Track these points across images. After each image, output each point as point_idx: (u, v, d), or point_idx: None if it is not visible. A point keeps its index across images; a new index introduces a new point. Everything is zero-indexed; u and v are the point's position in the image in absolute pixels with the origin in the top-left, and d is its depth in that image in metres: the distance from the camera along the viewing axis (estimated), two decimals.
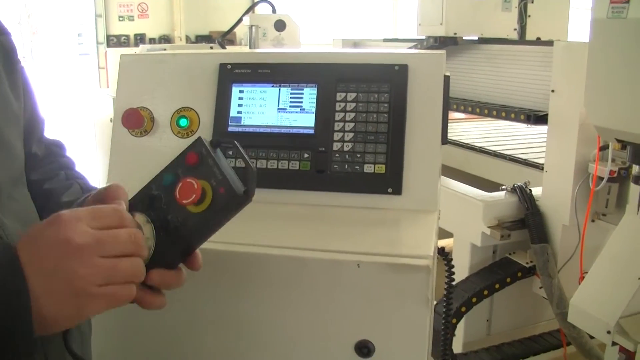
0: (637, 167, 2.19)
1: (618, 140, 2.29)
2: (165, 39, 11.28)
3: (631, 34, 1.89)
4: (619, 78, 2.02)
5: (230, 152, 1.61)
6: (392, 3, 14.41)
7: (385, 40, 5.15)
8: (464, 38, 4.00)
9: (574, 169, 3.04)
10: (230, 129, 1.72)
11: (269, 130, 1.69)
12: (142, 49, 6.63)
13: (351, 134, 1.64)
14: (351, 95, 1.66)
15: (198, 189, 0.92)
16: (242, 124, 1.71)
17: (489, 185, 3.65)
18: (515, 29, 4.09)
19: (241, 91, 1.73)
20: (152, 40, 11.03)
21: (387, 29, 13.99)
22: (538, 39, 4.10)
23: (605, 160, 2.91)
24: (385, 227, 1.51)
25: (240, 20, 5.22)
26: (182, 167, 0.96)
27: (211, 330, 1.38)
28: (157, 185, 0.96)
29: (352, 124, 1.64)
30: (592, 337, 3.08)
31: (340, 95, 1.66)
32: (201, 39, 11.40)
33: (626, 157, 2.93)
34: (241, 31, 9.06)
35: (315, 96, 1.68)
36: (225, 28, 5.58)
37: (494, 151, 4.26)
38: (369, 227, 1.49)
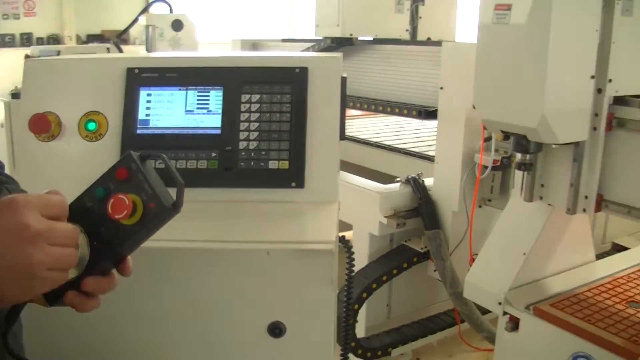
0: (519, 155, 2.40)
1: (503, 132, 2.49)
2: (54, 39, 10.82)
3: (513, 37, 2.10)
4: (503, 77, 2.23)
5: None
6: (289, 3, 14.54)
7: (284, 40, 5.27)
8: (359, 39, 4.17)
9: (462, 160, 3.27)
10: (138, 131, 1.80)
11: (177, 131, 1.79)
12: (33, 50, 6.45)
13: (256, 133, 1.76)
14: (255, 97, 1.78)
15: (129, 205, 0.99)
16: (150, 126, 1.80)
17: (385, 178, 3.82)
18: (407, 30, 4.30)
19: (149, 94, 1.82)
20: (39, 40, 10.54)
21: (284, 28, 14.11)
22: (428, 39, 4.33)
23: (489, 151, 3.15)
24: (290, 218, 1.65)
25: (136, 20, 5.22)
26: (113, 181, 1.02)
27: (136, 321, 1.47)
28: (89, 198, 1.02)
29: (256, 124, 1.77)
30: (483, 314, 3.34)
31: (245, 97, 1.78)
32: (92, 38, 11.03)
33: (508, 147, 3.22)
34: (136, 30, 8.95)
35: (221, 98, 1.80)
36: (118, 27, 5.56)
37: (389, 145, 4.47)
38: (275, 219, 1.62)
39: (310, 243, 1.42)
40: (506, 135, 3.20)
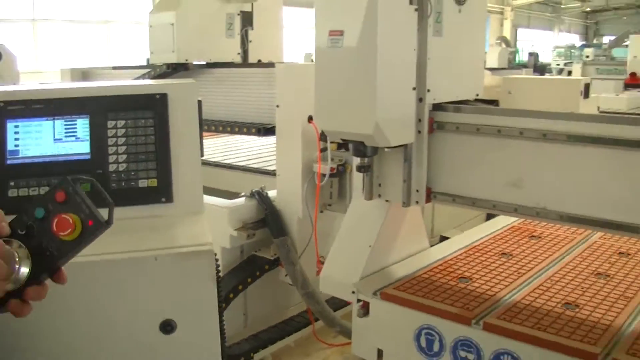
0: (359, 159, 2.70)
1: (342, 140, 2.76)
2: None
3: (346, 58, 2.39)
4: (340, 92, 2.50)
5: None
6: (105, 32, 14.38)
7: (115, 68, 5.34)
8: (194, 63, 4.35)
9: (301, 170, 3.56)
10: (9, 161, 1.89)
11: (48, 159, 1.90)
12: None
13: (124, 156, 1.92)
14: (121, 123, 1.93)
15: (73, 223, 1.14)
16: (20, 156, 1.90)
17: (229, 196, 4.01)
18: (239, 53, 4.56)
19: (16, 126, 1.91)
20: None
21: (101, 56, 13.94)
22: (259, 61, 4.61)
23: (326, 160, 3.46)
24: (168, 228, 1.82)
25: None
26: (52, 202, 1.17)
27: (45, 325, 1.57)
28: (29, 217, 1.16)
29: (124, 147, 1.92)
30: (335, 310, 3.63)
31: (111, 123, 1.93)
32: None
33: (342, 156, 3.55)
34: None
35: (88, 126, 1.93)
36: None
37: (229, 164, 4.68)
38: (155, 230, 1.79)
39: (192, 246, 1.61)
40: (339, 145, 3.55)
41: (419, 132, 2.61)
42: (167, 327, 1.60)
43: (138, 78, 4.44)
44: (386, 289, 2.71)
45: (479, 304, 2.55)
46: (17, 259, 1.11)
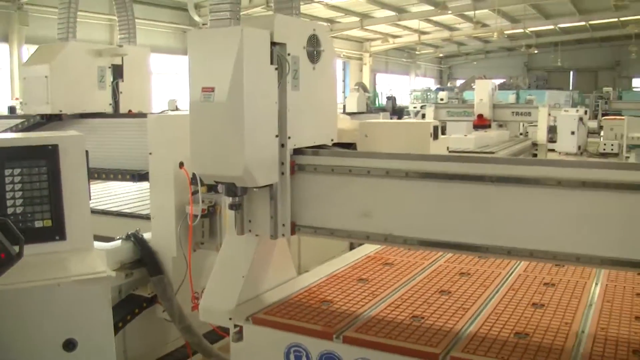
0: (231, 198, 2.99)
1: (216, 182, 3.04)
2: None
3: (218, 111, 2.69)
4: (213, 140, 2.78)
5: None
6: None
7: None
8: (68, 114, 4.53)
9: (174, 212, 3.83)
10: None
11: None
12: None
13: (21, 200, 2.15)
14: (17, 171, 2.17)
15: None
16: None
17: (104, 240, 4.17)
18: (110, 104, 4.79)
19: None
20: None
21: None
22: (130, 111, 4.85)
23: (197, 202, 3.75)
24: (65, 260, 2.06)
25: None
26: None
27: None
28: None
29: (20, 192, 2.16)
30: (212, 343, 3.88)
31: (8, 172, 2.16)
32: None
33: (212, 198, 3.86)
34: None
35: None
36: None
37: (102, 209, 4.86)
38: (54, 263, 2.03)
39: (90, 274, 1.88)
40: (209, 188, 3.85)
41: (283, 173, 2.97)
42: (69, 345, 1.84)
43: (12, 128, 4.56)
44: (257, 314, 3.02)
45: (339, 321, 2.91)
46: None
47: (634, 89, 37.17)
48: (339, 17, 28.18)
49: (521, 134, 14.61)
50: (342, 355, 2.74)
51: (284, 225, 3.06)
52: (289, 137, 2.93)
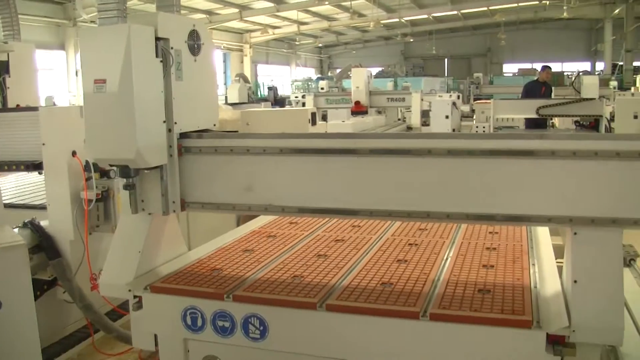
0: (125, 179, 3.26)
1: (111, 165, 3.30)
2: None
3: (110, 101, 2.95)
4: (107, 127, 3.02)
5: None
6: None
7: None
8: None
9: (70, 198, 4.07)
10: None
11: None
12: None
13: None
14: None
15: None
16: None
17: None
18: None
19: None
20: None
21: None
22: (18, 105, 5.00)
23: (92, 188, 4.00)
24: None
25: None
26: None
27: None
28: None
29: None
30: (114, 320, 4.14)
31: None
32: None
33: (105, 184, 4.12)
34: None
35: None
36: None
37: None
38: None
39: (9, 243, 2.16)
40: (102, 174, 4.12)
41: (171, 155, 3.27)
42: None
43: None
44: (154, 283, 3.33)
45: (229, 284, 3.27)
46: None
47: (505, 74, 39.22)
48: (218, 8, 28.24)
49: (399, 119, 15.37)
50: (233, 313, 3.10)
51: (174, 202, 3.36)
52: (175, 123, 3.23)
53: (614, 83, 18.53)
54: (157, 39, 3.07)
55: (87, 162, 4.05)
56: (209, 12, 28.48)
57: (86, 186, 4.01)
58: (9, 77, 4.97)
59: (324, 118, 13.75)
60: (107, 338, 4.54)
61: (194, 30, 3.27)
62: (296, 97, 22.80)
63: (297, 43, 41.06)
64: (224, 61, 35.61)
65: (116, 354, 4.48)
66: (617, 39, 30.06)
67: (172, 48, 3.13)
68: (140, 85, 2.95)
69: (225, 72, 35.21)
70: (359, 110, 13.33)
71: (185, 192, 3.40)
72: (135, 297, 3.36)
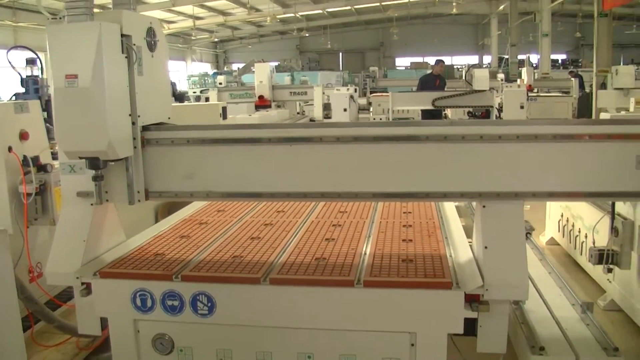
0: (94, 171, 3.33)
1: (81, 157, 3.36)
2: None
3: (82, 95, 3.06)
4: (78, 121, 3.12)
5: None
6: None
7: None
8: None
9: (8, 192, 4.18)
10: None
11: None
12: None
13: None
14: None
15: None
16: None
17: None
18: None
19: None
20: None
21: None
22: None
23: (30, 182, 4.15)
24: None
25: None
26: None
27: None
28: None
29: None
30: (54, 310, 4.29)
31: None
32: None
33: (43, 178, 4.26)
34: None
35: None
36: None
37: None
38: None
39: None
40: (39, 167, 4.26)
41: (135, 147, 3.44)
42: None
43: None
44: (103, 269, 3.54)
45: (175, 266, 3.52)
46: None
47: (398, 68, 40.40)
48: (109, 3, 27.68)
49: (298, 112, 15.80)
50: (181, 292, 3.36)
51: (139, 192, 3.53)
52: (139, 116, 3.41)
53: (501, 75, 19.59)
54: (122, 35, 3.24)
55: (25, 157, 4.18)
56: (102, 7, 27.84)
57: (25, 180, 4.14)
58: None
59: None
60: (42, 331, 4.67)
61: (150, 27, 3.49)
62: (194, 92, 22.83)
63: (192, 38, 40.79)
64: None
65: (54, 344, 4.61)
66: (503, 34, 31.64)
67: (134, 44, 3.31)
68: (110, 80, 3.12)
69: None
70: (262, 104, 13.66)
71: (149, 181, 3.57)
72: (82, 284, 3.55)
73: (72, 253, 3.61)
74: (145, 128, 3.49)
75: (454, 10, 28.32)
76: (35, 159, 4.30)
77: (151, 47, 3.48)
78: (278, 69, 30.84)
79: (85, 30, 3.09)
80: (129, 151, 3.39)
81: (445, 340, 3.15)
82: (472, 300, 3.10)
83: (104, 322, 3.62)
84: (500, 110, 11.74)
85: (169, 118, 3.72)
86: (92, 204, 3.65)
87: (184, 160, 3.52)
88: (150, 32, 3.47)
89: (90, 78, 3.03)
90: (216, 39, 43.36)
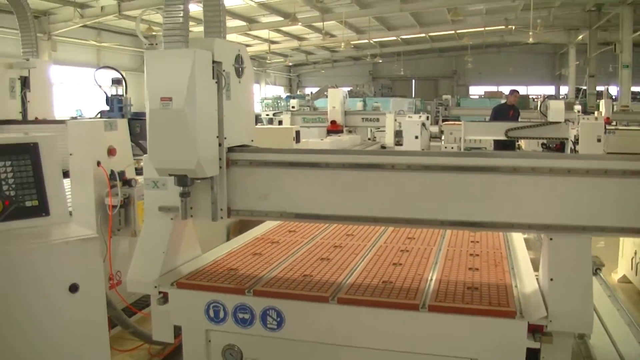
0: (181, 187, 3.58)
1: (170, 174, 3.57)
2: None
3: (175, 117, 3.32)
4: (171, 140, 3.35)
5: None
6: None
7: None
8: None
9: (95, 204, 4.45)
10: None
11: None
12: None
13: (13, 185, 2.78)
14: (8, 163, 2.79)
15: None
16: None
17: None
18: (20, 112, 5.30)
19: None
20: None
21: None
22: (36, 118, 5.39)
23: (116, 195, 4.40)
24: (60, 228, 2.72)
25: None
26: None
27: None
28: None
29: (12, 179, 2.78)
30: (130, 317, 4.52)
31: (2, 164, 2.78)
32: None
33: (126, 192, 4.50)
34: None
35: None
36: None
37: None
38: (52, 230, 2.68)
39: (87, 235, 2.57)
40: (124, 182, 4.52)
41: (221, 167, 3.63)
42: (73, 288, 2.52)
43: None
44: (180, 280, 3.74)
45: (247, 281, 3.69)
46: None
47: (471, 96, 40.18)
48: (191, 26, 28.53)
49: (369, 138, 15.91)
50: (252, 306, 3.52)
51: (222, 209, 3.73)
52: (225, 138, 3.61)
53: (578, 107, 19.30)
54: (213, 62, 3.44)
55: (112, 171, 4.46)
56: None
57: (110, 193, 4.41)
58: (29, 91, 5.35)
59: None
60: (117, 336, 4.90)
61: (239, 54, 3.68)
62: (267, 114, 23.23)
63: (267, 61, 41.58)
64: None
65: (128, 349, 4.83)
66: (581, 64, 31.17)
67: (224, 71, 3.51)
68: (201, 103, 3.33)
69: None
70: (334, 129, 13.83)
71: (232, 200, 3.75)
72: (160, 292, 3.76)
73: (151, 263, 3.83)
74: (230, 149, 3.68)
75: (530, 40, 28.05)
76: (122, 174, 4.57)
77: (239, 73, 3.67)
78: (350, 94, 30.92)
79: (180, 57, 3.30)
80: (215, 170, 3.57)
81: None
82: (536, 330, 3.15)
83: (176, 331, 3.83)
84: (576, 142, 11.60)
85: (251, 140, 3.90)
86: (171, 218, 3.87)
87: (262, 181, 3.70)
88: (239, 59, 3.66)
89: (184, 101, 3.24)
90: (290, 63, 44.08)
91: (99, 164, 4.42)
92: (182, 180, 3.52)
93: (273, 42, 33.89)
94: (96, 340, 2.67)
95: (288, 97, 31.81)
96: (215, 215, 3.71)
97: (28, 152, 2.85)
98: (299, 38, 34.24)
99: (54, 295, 2.52)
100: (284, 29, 30.67)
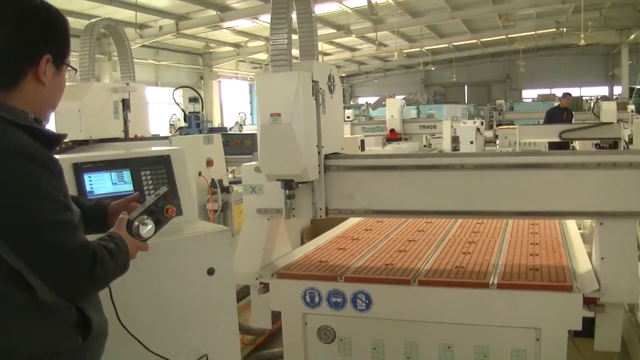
0: (287, 190, 4.11)
1: (278, 179, 4.08)
2: None
3: (283, 130, 3.83)
4: (279, 150, 3.86)
5: None
6: None
7: None
8: (93, 138, 5.76)
9: (198, 209, 5.06)
10: (88, 196, 3.30)
11: (110, 195, 3.33)
12: None
13: (153, 190, 3.40)
14: (147, 172, 3.42)
15: (175, 210, 2.62)
16: (94, 194, 3.32)
17: None
18: (123, 130, 6.03)
19: (89, 177, 3.32)
20: None
21: None
22: (136, 136, 6.10)
23: (216, 201, 5.05)
24: (196, 225, 3.36)
25: None
26: (162, 200, 2.58)
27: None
28: (153, 205, 2.54)
29: (152, 186, 3.42)
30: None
31: (143, 172, 3.42)
32: None
33: (225, 198, 5.15)
34: None
35: (130, 176, 3.40)
36: None
37: None
38: (190, 226, 3.32)
39: (220, 229, 3.20)
40: (223, 189, 5.16)
41: (319, 172, 4.17)
42: (211, 271, 3.13)
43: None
44: (279, 271, 4.35)
45: (338, 270, 4.27)
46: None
47: (524, 100, 40.03)
48: (245, 41, 29.31)
49: (425, 145, 16.39)
50: (344, 291, 4.08)
51: (320, 209, 4.27)
52: (323, 147, 4.14)
53: (631, 107, 19.37)
54: (312, 81, 3.97)
55: (212, 179, 5.10)
56: (236, 45, 29.73)
57: (212, 199, 5.05)
58: (130, 112, 6.07)
59: None
60: None
61: (331, 73, 4.24)
62: None
63: None
64: (250, 92, 36.76)
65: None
66: (634, 64, 30.97)
67: (321, 89, 4.03)
68: (304, 118, 3.87)
69: (251, 103, 36.31)
70: (393, 137, 14.37)
71: (329, 201, 4.27)
72: (260, 283, 4.36)
73: (252, 258, 4.41)
74: (326, 157, 4.21)
75: (582, 42, 28.07)
76: (220, 182, 5.21)
77: (331, 90, 4.23)
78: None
79: (287, 79, 3.87)
80: (315, 175, 4.09)
81: (565, 335, 3.70)
82: (590, 302, 3.66)
83: (273, 318, 4.44)
84: (629, 142, 11.87)
85: (342, 149, 4.48)
86: (268, 219, 4.48)
87: (349, 183, 4.25)
88: (331, 78, 4.24)
89: (291, 116, 3.79)
90: (343, 74, 44.57)
91: (200, 174, 5.06)
92: (289, 184, 4.05)
93: (326, 54, 34.42)
94: (227, 314, 3.28)
95: (344, 108, 32.20)
96: (315, 214, 4.24)
97: (163, 163, 3.48)
98: (351, 49, 34.73)
99: (197, 278, 3.13)
100: (337, 40, 31.19)
